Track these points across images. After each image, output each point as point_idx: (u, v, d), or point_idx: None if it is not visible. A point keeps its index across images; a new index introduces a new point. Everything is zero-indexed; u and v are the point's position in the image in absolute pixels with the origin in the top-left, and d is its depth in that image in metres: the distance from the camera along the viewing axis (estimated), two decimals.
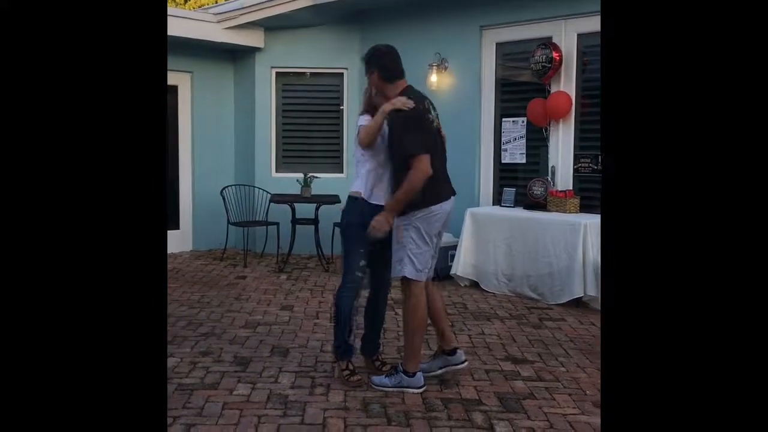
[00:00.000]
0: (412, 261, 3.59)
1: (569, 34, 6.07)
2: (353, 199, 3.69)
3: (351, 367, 3.75)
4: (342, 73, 7.88)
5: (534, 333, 4.79)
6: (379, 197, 3.65)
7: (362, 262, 3.67)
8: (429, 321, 3.83)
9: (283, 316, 5.19)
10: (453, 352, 3.83)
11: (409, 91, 3.66)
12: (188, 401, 3.45)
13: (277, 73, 7.95)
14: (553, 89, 6.13)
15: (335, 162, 7.97)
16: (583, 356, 4.29)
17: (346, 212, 3.75)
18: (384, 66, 3.70)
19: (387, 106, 3.52)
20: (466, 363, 3.82)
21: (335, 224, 7.28)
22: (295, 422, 3.22)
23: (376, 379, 3.71)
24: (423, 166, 3.46)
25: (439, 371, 3.81)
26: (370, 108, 3.73)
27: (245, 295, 5.90)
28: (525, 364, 4.05)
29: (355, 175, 3.79)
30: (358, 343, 3.98)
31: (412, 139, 3.48)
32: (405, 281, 3.65)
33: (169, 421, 3.20)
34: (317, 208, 7.17)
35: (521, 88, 6.55)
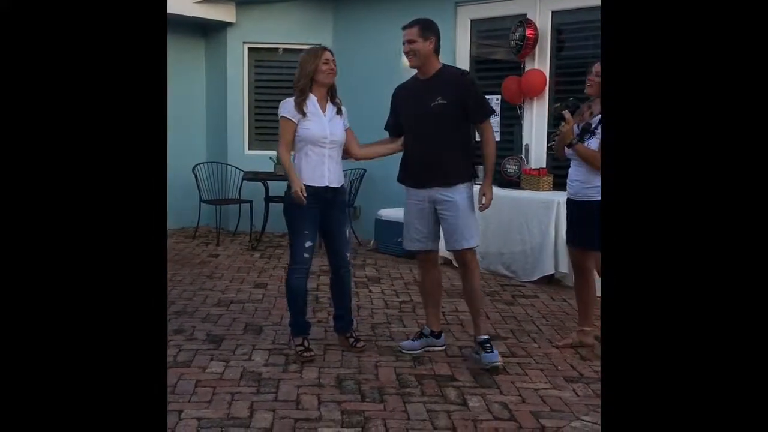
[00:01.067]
0: (478, 230, 3.77)
1: (544, 11, 6.05)
2: (289, 186, 3.68)
3: (306, 343, 3.78)
4: None
5: (507, 310, 4.83)
6: (305, 177, 3.67)
7: (308, 244, 3.69)
8: (426, 299, 4.00)
9: (257, 294, 5.17)
10: (439, 334, 3.95)
11: (447, 67, 3.80)
12: None
13: (249, 48, 7.84)
14: (528, 67, 6.13)
15: None
16: (555, 332, 4.34)
17: (285, 197, 3.76)
18: (438, 38, 3.69)
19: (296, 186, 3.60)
20: (444, 346, 3.95)
21: None
22: (269, 399, 3.22)
23: (486, 357, 3.67)
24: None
25: (419, 351, 3.85)
26: (300, 89, 3.67)
27: (218, 273, 5.86)
28: (498, 341, 4.08)
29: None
30: (331, 322, 4.01)
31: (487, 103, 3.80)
32: (465, 252, 3.73)
33: None
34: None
35: (496, 66, 6.54)
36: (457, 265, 3.95)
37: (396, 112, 3.85)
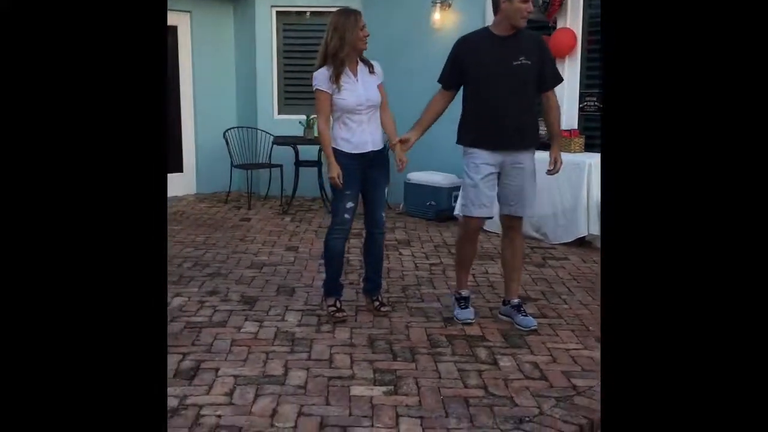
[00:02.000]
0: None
1: None
2: (333, 148, 3.67)
3: (338, 304, 3.83)
4: None
5: (537, 272, 4.83)
6: (347, 145, 3.66)
7: (349, 204, 3.70)
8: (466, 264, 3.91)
9: (288, 257, 5.24)
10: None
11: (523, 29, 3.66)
12: (197, 338, 3.51)
13: (277, 12, 7.80)
14: (559, 25, 6.02)
15: None
16: (586, 293, 4.34)
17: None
18: None
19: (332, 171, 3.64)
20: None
21: None
22: (303, 358, 3.29)
23: (524, 321, 3.69)
24: None
25: (474, 318, 3.83)
26: (328, 60, 3.61)
27: (250, 236, 5.93)
28: (528, 302, 4.09)
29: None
30: (362, 284, 4.06)
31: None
32: (522, 218, 3.75)
33: (179, 357, 3.26)
34: (320, 150, 7.12)
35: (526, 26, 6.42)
36: (502, 229, 3.86)
37: (461, 66, 3.62)
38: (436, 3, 6.80)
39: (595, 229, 5.43)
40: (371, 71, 3.71)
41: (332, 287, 3.89)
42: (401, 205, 7.04)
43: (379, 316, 3.86)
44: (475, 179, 3.63)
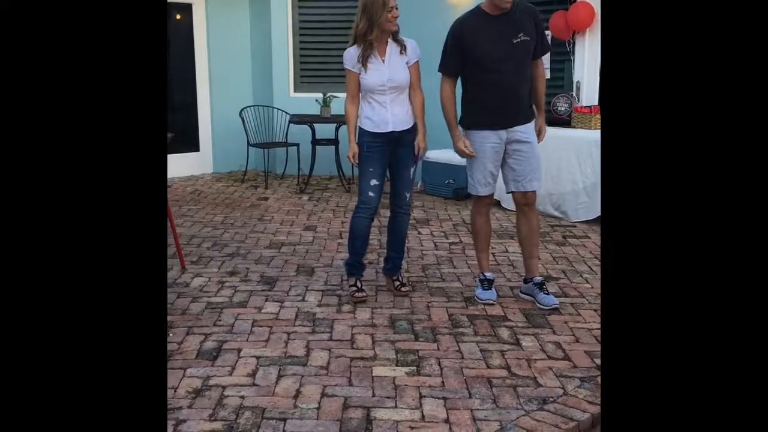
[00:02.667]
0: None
1: None
2: (358, 127, 3.73)
3: (359, 284, 3.82)
4: None
5: (558, 250, 4.79)
6: (368, 123, 3.68)
7: (373, 182, 3.68)
8: (484, 243, 3.89)
9: (307, 237, 5.23)
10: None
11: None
12: (218, 319, 3.52)
13: None
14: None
15: None
16: None
17: (357, 138, 3.76)
18: None
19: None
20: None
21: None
22: (324, 338, 3.28)
23: (545, 299, 3.68)
24: None
25: (495, 299, 3.81)
26: (358, 40, 3.61)
27: (268, 216, 5.93)
28: (550, 281, 4.06)
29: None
30: (381, 263, 4.04)
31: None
32: (534, 193, 3.73)
33: (201, 338, 3.27)
34: (337, 129, 7.10)
35: (543, 0, 6.32)
36: (516, 207, 3.83)
37: (462, 49, 3.58)
38: None
39: None
40: (402, 52, 3.65)
41: (354, 267, 3.87)
42: (420, 184, 7.01)
43: (399, 296, 3.85)
44: (482, 159, 3.65)
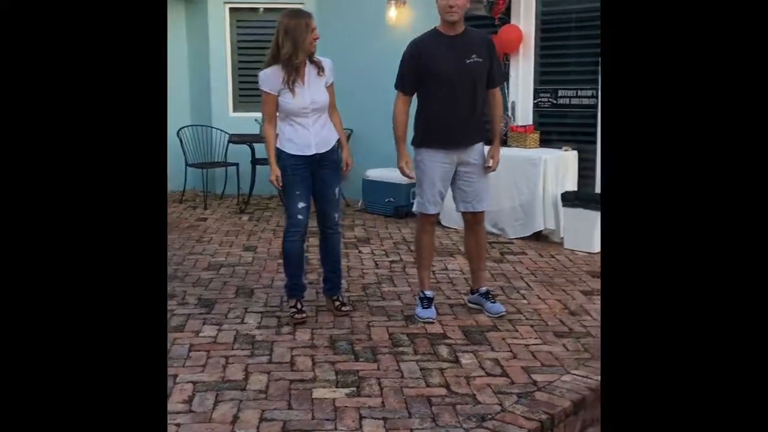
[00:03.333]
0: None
1: None
2: (278, 149, 3.69)
3: (299, 305, 3.79)
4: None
5: (496, 267, 4.87)
6: (291, 146, 3.65)
7: (300, 205, 3.68)
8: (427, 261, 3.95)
9: (247, 257, 5.18)
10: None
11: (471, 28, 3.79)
12: None
13: (230, 8, 7.69)
14: (513, 22, 6.07)
15: None
16: (543, 288, 4.39)
17: (278, 160, 3.71)
18: None
19: None
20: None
21: None
22: (263, 361, 3.25)
23: (493, 308, 3.83)
24: None
25: (435, 317, 3.84)
26: (278, 62, 3.58)
27: (207, 237, 5.85)
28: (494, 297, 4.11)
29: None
30: (321, 284, 4.03)
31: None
32: (480, 213, 3.82)
33: None
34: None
35: (479, 23, 6.43)
36: (465, 225, 3.95)
37: (417, 68, 3.66)
38: (391, 0, 6.78)
39: (551, 223, 5.51)
40: (320, 73, 3.66)
41: (293, 288, 3.85)
42: (360, 203, 7.03)
43: (340, 316, 3.84)
44: (431, 178, 3.73)
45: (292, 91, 3.57)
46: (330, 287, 3.96)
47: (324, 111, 3.70)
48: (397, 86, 3.76)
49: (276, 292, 4.28)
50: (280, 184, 3.67)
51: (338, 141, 3.81)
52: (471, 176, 3.74)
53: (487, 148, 3.85)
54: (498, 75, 3.79)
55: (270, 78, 3.60)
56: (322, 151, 3.69)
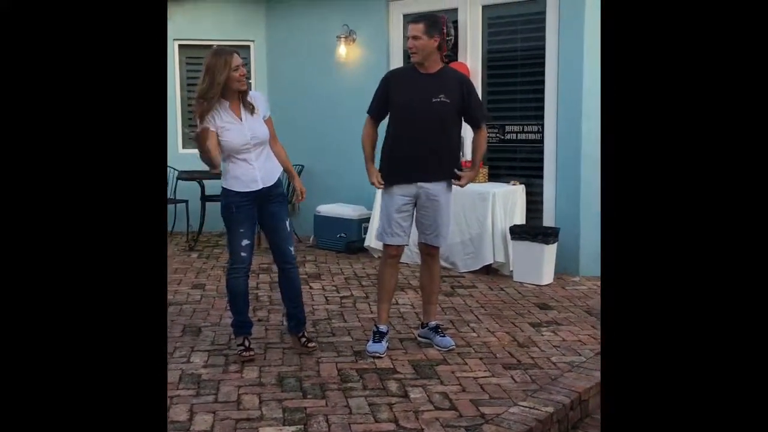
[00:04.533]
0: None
1: (474, 5, 6.13)
2: (223, 187, 3.69)
3: (246, 343, 3.74)
4: (248, 46, 7.70)
5: (446, 301, 4.89)
6: (237, 183, 3.62)
7: (244, 242, 3.65)
8: (387, 294, 3.95)
9: (195, 295, 5.09)
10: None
11: (450, 68, 3.88)
12: None
13: (180, 45, 7.69)
14: (460, 59, 6.20)
15: None
16: (493, 321, 4.42)
17: (222, 198, 3.71)
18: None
19: None
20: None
21: None
22: (209, 401, 3.18)
23: (442, 341, 3.85)
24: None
25: (384, 352, 3.82)
26: (203, 97, 3.53)
27: None
28: (444, 331, 4.12)
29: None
30: (271, 320, 3.98)
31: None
32: (436, 248, 3.88)
33: None
34: None
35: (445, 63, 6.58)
36: (420, 255, 4.03)
37: (387, 98, 3.75)
38: (341, 37, 6.87)
39: (501, 257, 5.57)
40: (254, 111, 3.63)
41: (241, 326, 3.79)
42: (312, 238, 7.00)
43: (292, 350, 3.80)
44: (390, 210, 3.78)
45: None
46: (295, 324, 3.87)
47: (265, 144, 3.69)
48: (368, 110, 3.88)
49: (224, 330, 4.21)
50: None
51: (286, 172, 3.82)
52: (428, 210, 3.79)
53: (454, 187, 3.89)
54: (478, 114, 3.81)
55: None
56: (269, 184, 3.67)
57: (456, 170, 3.82)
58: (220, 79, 3.49)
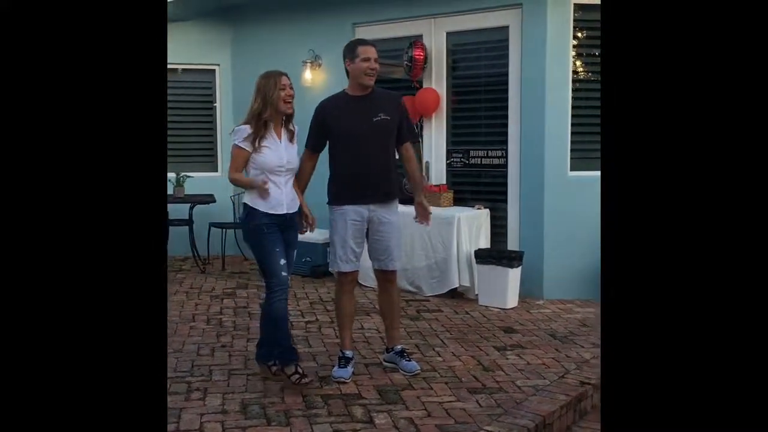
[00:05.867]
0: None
1: (438, 32, 6.22)
2: (251, 208, 3.60)
3: (300, 370, 3.58)
4: (214, 70, 7.69)
5: (412, 324, 4.89)
6: (264, 205, 3.58)
7: (282, 261, 3.57)
8: (348, 320, 3.95)
9: None
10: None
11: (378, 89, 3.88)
12: None
13: None
14: (426, 85, 6.27)
15: (209, 160, 7.78)
16: (458, 345, 4.43)
17: (247, 219, 3.62)
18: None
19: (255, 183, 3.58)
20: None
21: (211, 224, 7.11)
22: (170, 429, 3.12)
23: (407, 366, 3.85)
24: None
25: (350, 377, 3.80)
26: (257, 117, 3.56)
27: None
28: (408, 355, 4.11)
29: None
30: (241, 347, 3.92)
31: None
32: (392, 271, 3.87)
33: None
34: (191, 208, 6.96)
35: (394, 86, 6.62)
36: (378, 283, 4.00)
37: (324, 128, 3.77)
38: (306, 62, 6.90)
39: (466, 280, 5.60)
40: (292, 139, 3.68)
41: (287, 354, 3.62)
42: None
43: (256, 377, 3.75)
44: (342, 235, 3.76)
45: (259, 146, 3.52)
46: (291, 357, 3.66)
47: (293, 174, 3.69)
48: (306, 144, 3.86)
49: (187, 356, 4.15)
50: (266, 186, 3.54)
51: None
52: (382, 234, 3.78)
53: (403, 207, 3.93)
54: (408, 131, 3.88)
55: (245, 133, 3.54)
56: (291, 211, 3.65)
57: (404, 198, 3.89)
58: (271, 98, 3.52)
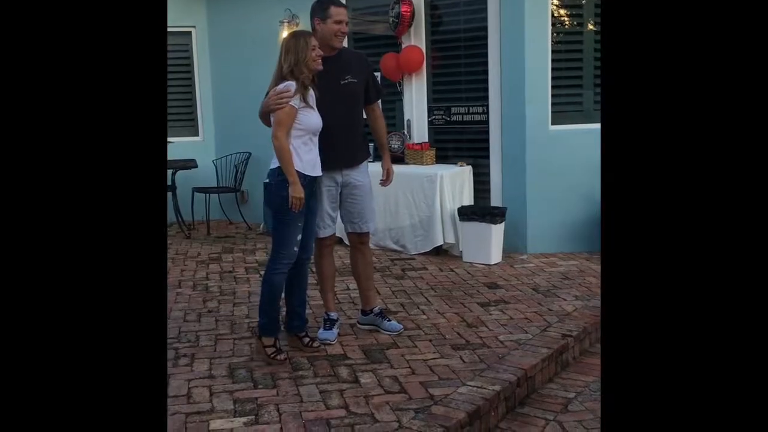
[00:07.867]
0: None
1: None
2: (298, 172, 3.40)
3: (278, 344, 3.57)
4: (190, 32, 7.57)
5: (397, 284, 4.94)
6: (309, 168, 3.48)
7: (299, 237, 3.50)
8: (328, 283, 3.99)
9: None
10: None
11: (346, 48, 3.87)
12: None
13: None
14: (405, 43, 6.21)
15: (190, 125, 7.70)
16: (442, 302, 4.48)
17: (276, 186, 3.44)
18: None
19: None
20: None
21: (194, 189, 7.09)
22: None
23: (390, 326, 3.90)
24: None
25: (335, 339, 3.84)
26: (292, 76, 3.41)
27: None
28: (389, 315, 4.16)
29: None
30: (222, 312, 3.95)
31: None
32: (365, 234, 3.87)
33: None
34: (174, 174, 6.93)
35: (375, 43, 6.57)
36: (351, 245, 3.99)
37: None
38: (284, 21, 6.80)
39: (451, 238, 5.63)
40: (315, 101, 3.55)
41: (270, 326, 3.57)
42: (262, 226, 6.97)
43: (243, 341, 3.79)
44: (322, 202, 3.74)
45: (306, 106, 3.41)
46: (300, 324, 3.71)
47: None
48: None
49: (173, 323, 4.18)
50: (297, 208, 3.39)
51: None
52: (355, 197, 3.78)
53: (374, 165, 3.92)
54: (374, 91, 3.84)
55: (293, 89, 3.39)
56: (320, 174, 3.58)
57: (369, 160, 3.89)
58: (305, 58, 3.39)
